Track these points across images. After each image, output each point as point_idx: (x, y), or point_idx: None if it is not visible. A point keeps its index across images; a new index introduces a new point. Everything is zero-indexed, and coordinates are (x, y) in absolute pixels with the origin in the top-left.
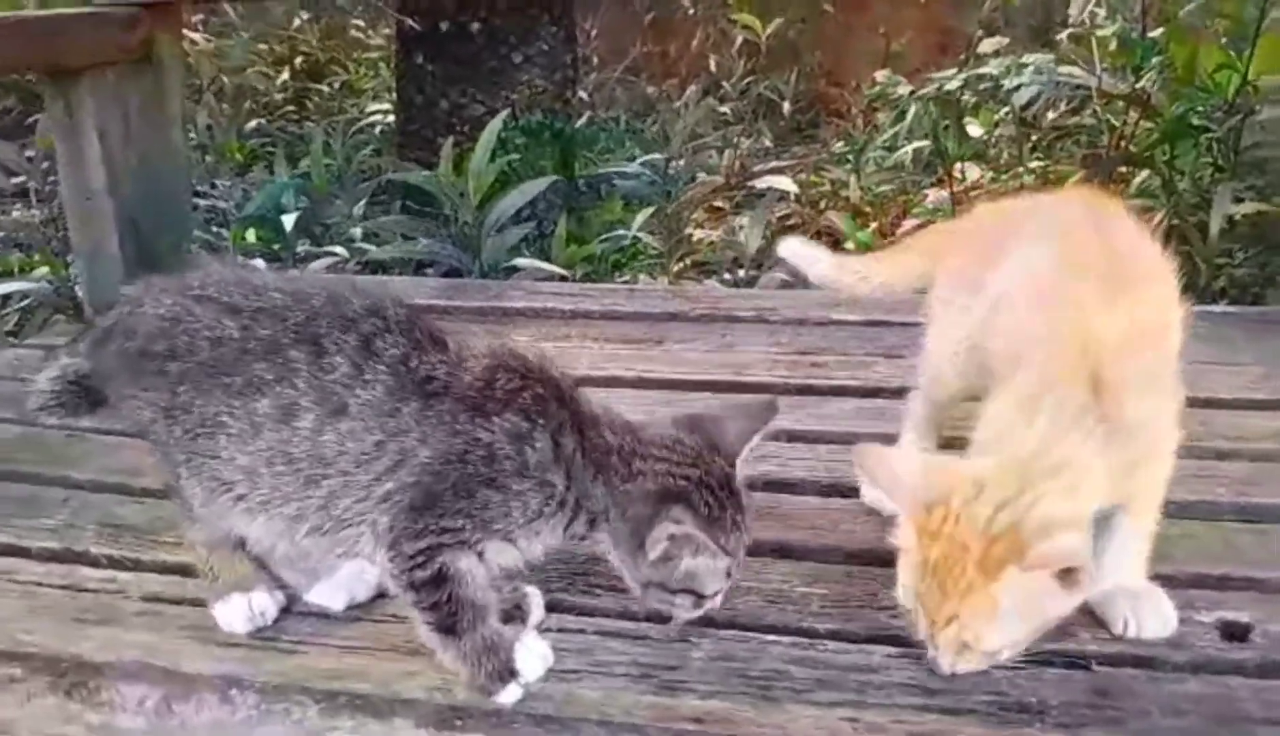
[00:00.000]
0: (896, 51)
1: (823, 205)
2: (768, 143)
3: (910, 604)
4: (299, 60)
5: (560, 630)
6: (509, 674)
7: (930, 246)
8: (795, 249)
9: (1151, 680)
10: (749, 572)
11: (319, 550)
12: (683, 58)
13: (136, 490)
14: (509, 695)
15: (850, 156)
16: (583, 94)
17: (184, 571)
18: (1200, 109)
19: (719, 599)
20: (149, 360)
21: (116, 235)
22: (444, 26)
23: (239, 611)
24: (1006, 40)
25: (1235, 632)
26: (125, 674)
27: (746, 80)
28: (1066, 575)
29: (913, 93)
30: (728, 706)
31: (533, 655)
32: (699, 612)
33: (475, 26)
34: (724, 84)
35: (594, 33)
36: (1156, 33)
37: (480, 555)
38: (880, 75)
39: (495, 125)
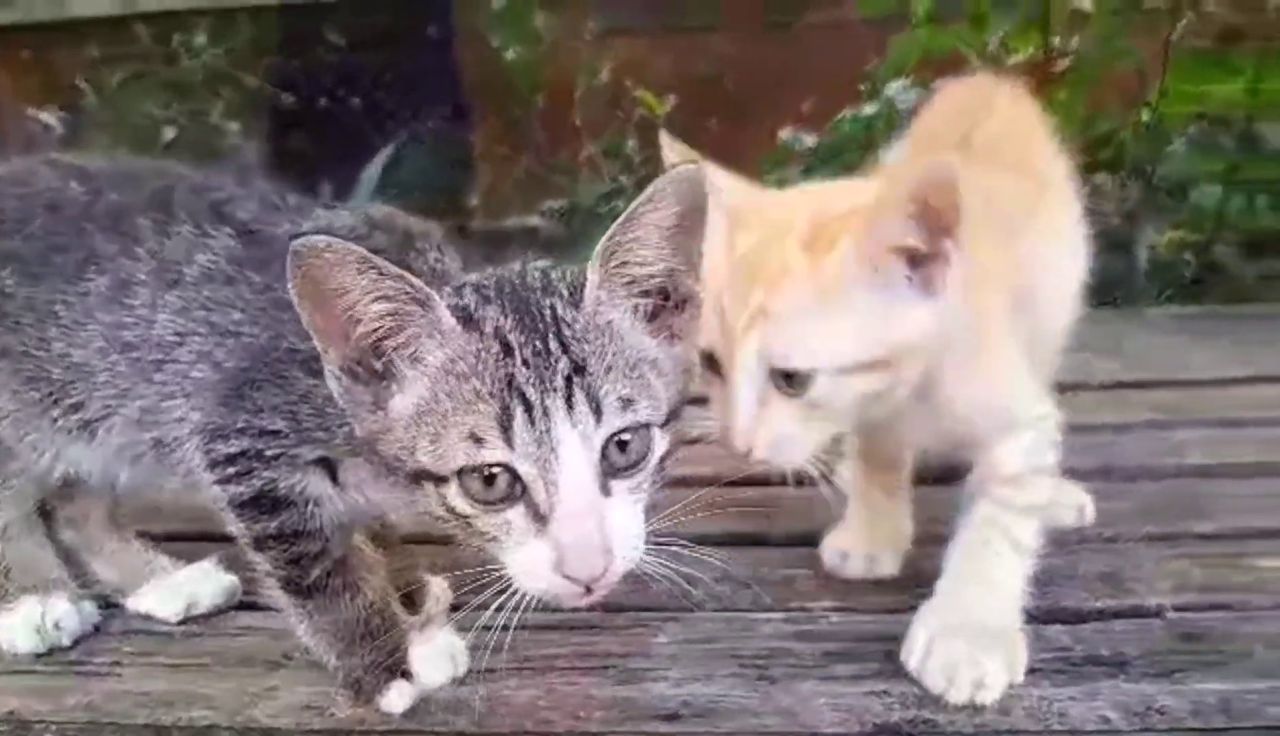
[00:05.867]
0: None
1: None
2: None
3: (708, 338)
4: None
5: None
6: (395, 671)
7: None
8: None
9: (1240, 621)
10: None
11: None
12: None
13: None
14: (396, 700)
15: None
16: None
17: None
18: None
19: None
20: None
21: None
22: (322, 102)
23: (26, 621)
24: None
25: None
26: None
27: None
28: (926, 258)
29: (817, 147)
30: (712, 693)
31: (436, 655)
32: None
33: (356, 102)
34: (621, 179)
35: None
36: None
37: (332, 475)
38: (784, 133)
39: (381, 158)
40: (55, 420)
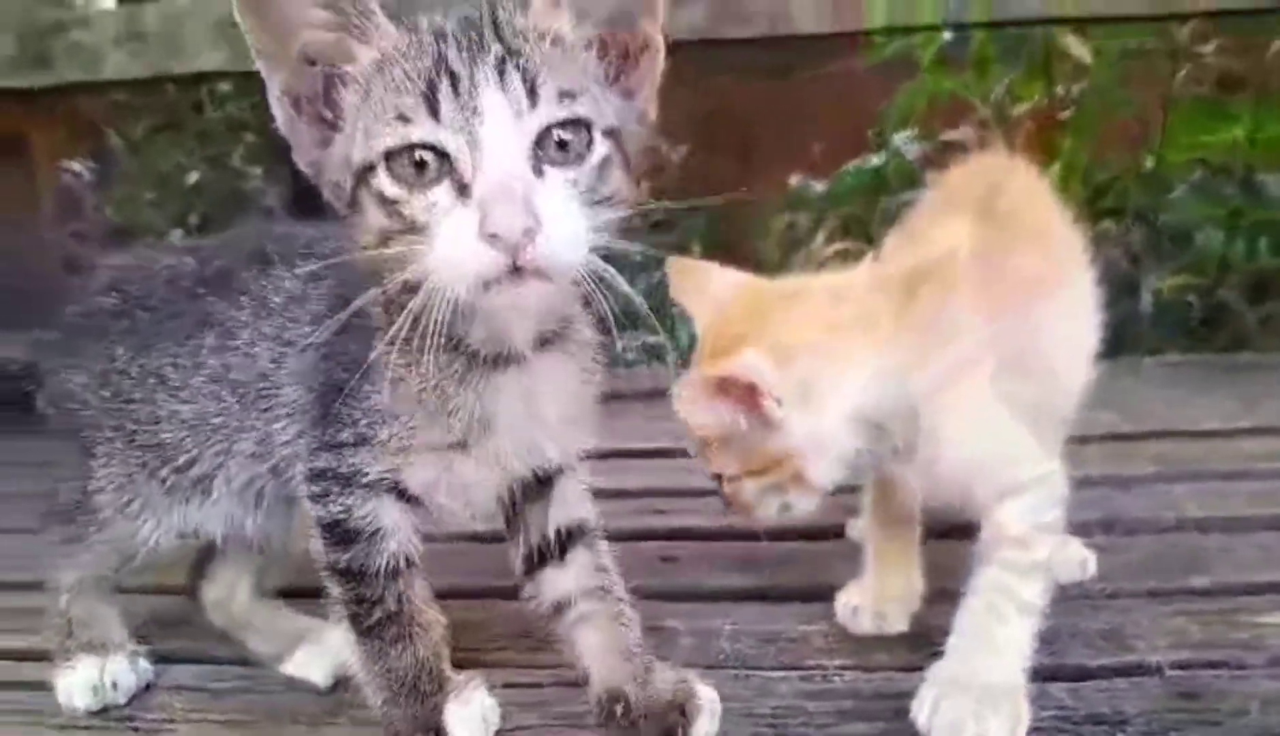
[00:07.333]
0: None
1: None
2: None
3: None
4: (193, 217)
5: (508, 685)
6: (431, 726)
7: None
8: None
9: (1237, 679)
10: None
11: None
12: None
13: None
14: None
15: None
16: None
17: (24, 656)
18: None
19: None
20: (98, 317)
21: None
22: None
23: (84, 679)
24: (916, 130)
25: None
26: None
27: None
28: (751, 400)
29: (828, 193)
30: None
31: (471, 716)
32: None
33: None
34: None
35: None
36: None
37: (404, 495)
38: (794, 179)
39: None
40: (164, 481)
